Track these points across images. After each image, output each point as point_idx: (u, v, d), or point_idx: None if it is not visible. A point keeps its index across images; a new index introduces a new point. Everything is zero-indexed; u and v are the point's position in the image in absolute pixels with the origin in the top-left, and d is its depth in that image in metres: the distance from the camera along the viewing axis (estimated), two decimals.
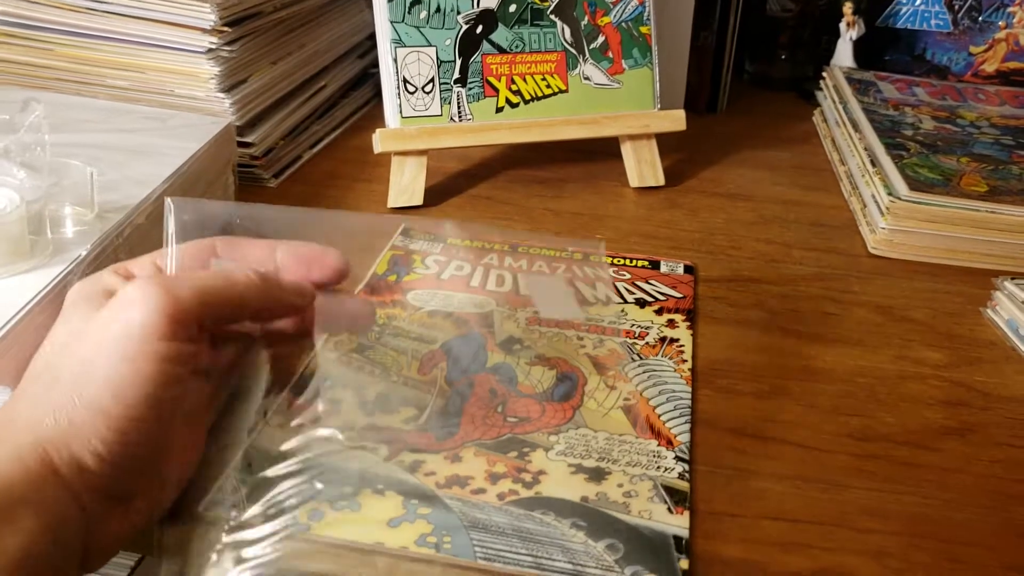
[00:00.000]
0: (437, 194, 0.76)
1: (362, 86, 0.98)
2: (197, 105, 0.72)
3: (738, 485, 0.47)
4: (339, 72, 0.93)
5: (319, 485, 0.44)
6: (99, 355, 0.37)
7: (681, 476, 0.46)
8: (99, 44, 0.73)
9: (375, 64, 1.01)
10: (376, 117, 0.95)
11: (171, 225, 0.46)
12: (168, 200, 0.46)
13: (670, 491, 0.45)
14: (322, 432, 0.47)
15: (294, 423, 0.47)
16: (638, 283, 0.64)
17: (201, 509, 0.42)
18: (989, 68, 1.10)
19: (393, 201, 0.72)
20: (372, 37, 1.01)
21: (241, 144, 0.73)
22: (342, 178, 0.80)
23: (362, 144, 0.87)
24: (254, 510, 0.42)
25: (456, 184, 0.79)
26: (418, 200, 0.72)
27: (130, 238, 0.52)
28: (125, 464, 0.37)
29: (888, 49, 1.10)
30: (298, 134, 0.83)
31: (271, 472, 0.44)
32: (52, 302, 0.45)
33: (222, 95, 0.72)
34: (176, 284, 0.39)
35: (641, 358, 0.56)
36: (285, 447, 0.46)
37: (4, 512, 0.34)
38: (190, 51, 0.71)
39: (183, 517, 0.42)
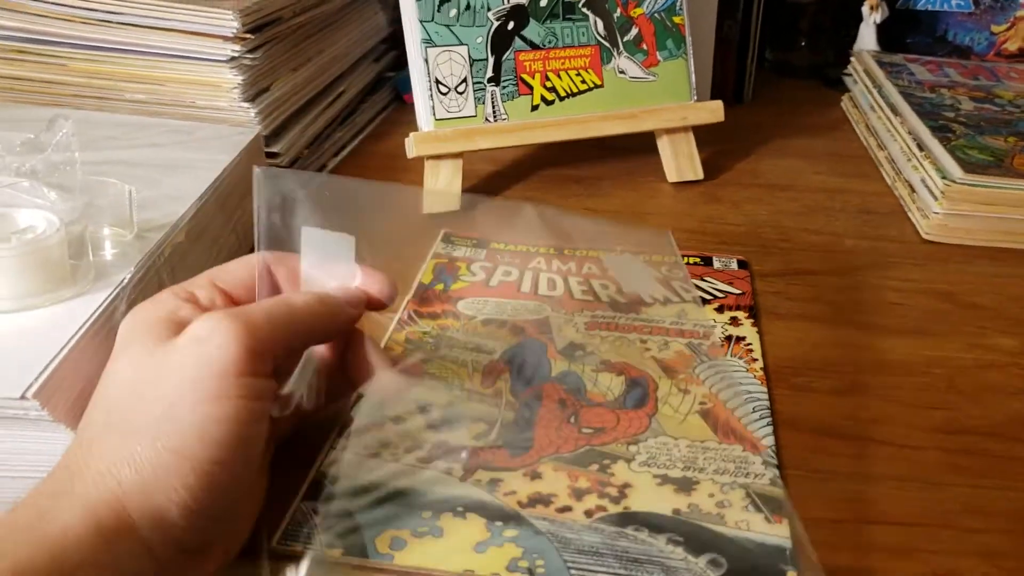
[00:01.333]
0: (471, 197, 0.74)
1: (379, 91, 0.95)
2: (220, 116, 0.70)
3: (833, 488, 0.45)
4: (357, 77, 0.90)
5: (394, 510, 0.41)
6: (180, 396, 0.35)
7: (773, 482, 0.44)
8: (115, 57, 0.70)
9: (391, 68, 0.99)
10: (396, 121, 0.92)
11: (260, 198, 0.45)
12: (256, 169, 0.45)
13: (764, 499, 0.43)
14: (391, 455, 0.45)
15: (362, 446, 0.45)
16: (694, 280, 0.61)
17: (275, 543, 0.39)
18: (1012, 47, 1.08)
19: (428, 207, 0.70)
20: (386, 40, 0.99)
21: (267, 155, 0.70)
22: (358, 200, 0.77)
23: (385, 149, 0.85)
24: (330, 541, 0.39)
25: (490, 186, 0.76)
26: (455, 205, 0.70)
27: (171, 258, 0.50)
28: (209, 512, 0.35)
29: (909, 31, 1.08)
30: (322, 142, 0.80)
31: (342, 499, 0.42)
32: (100, 330, 0.42)
33: (246, 104, 0.69)
34: (250, 316, 0.37)
35: (710, 359, 0.53)
36: (355, 471, 0.43)
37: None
38: (212, 60, 0.69)
39: (254, 551, 0.39)
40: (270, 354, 0.37)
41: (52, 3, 0.68)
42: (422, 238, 0.66)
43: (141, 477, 0.33)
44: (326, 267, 0.45)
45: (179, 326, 0.37)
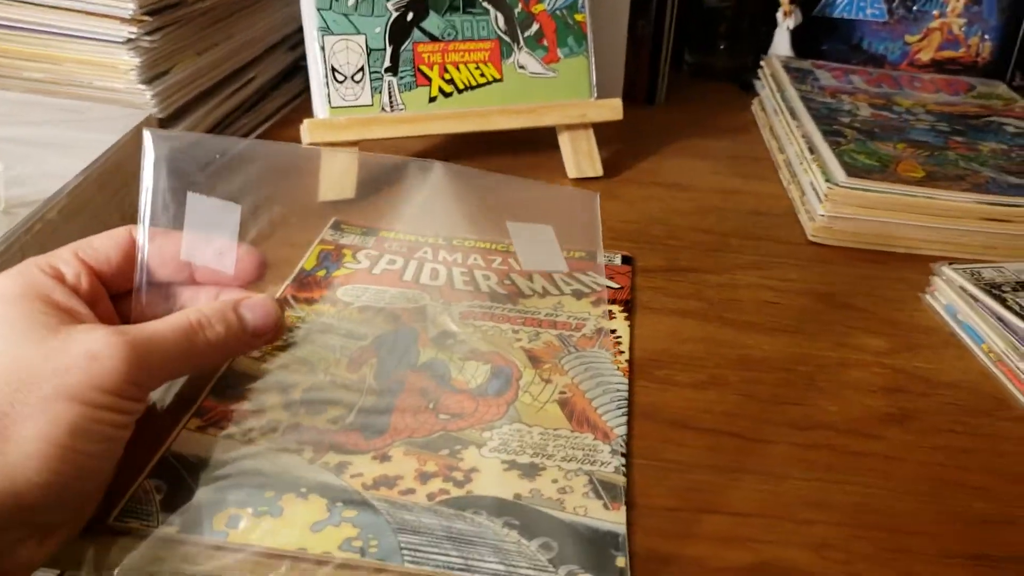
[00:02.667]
0: (369, 187, 0.74)
1: (293, 79, 0.95)
2: (117, 97, 0.69)
3: (676, 478, 0.46)
4: (269, 64, 0.90)
5: (237, 490, 0.42)
6: (57, 394, 0.36)
7: (617, 470, 0.45)
8: (11, 34, 0.69)
9: (306, 56, 0.99)
10: (307, 110, 0.92)
11: (148, 161, 0.45)
12: (146, 131, 0.45)
13: (606, 486, 0.44)
14: (242, 435, 0.45)
15: (213, 426, 0.45)
16: (575, 274, 0.62)
17: (112, 520, 0.39)
18: (924, 57, 1.11)
19: (324, 195, 0.70)
20: (302, 28, 0.99)
21: None
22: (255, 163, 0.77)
23: (291, 138, 0.84)
24: (167, 519, 0.40)
25: (388, 177, 0.77)
26: (350, 193, 0.70)
27: (40, 234, 0.50)
28: (66, 496, 0.36)
29: (825, 38, 1.10)
30: (225, 127, 0.80)
31: (188, 478, 0.42)
32: None
33: (143, 87, 0.69)
34: (148, 347, 0.38)
35: (577, 350, 0.54)
36: (203, 451, 0.44)
37: None
38: (108, 41, 0.68)
39: (96, 528, 0.39)
40: (155, 383, 0.40)
41: None
42: (312, 223, 0.67)
43: (5, 458, 0.34)
44: (207, 237, 0.45)
45: (59, 311, 0.38)
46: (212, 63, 0.78)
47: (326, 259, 0.62)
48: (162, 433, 0.45)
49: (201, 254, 0.46)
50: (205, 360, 0.43)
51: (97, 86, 0.70)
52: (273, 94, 0.90)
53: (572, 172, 0.78)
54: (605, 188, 0.78)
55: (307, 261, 0.61)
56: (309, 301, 0.57)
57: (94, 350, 0.37)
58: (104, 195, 0.58)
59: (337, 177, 0.70)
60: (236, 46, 0.83)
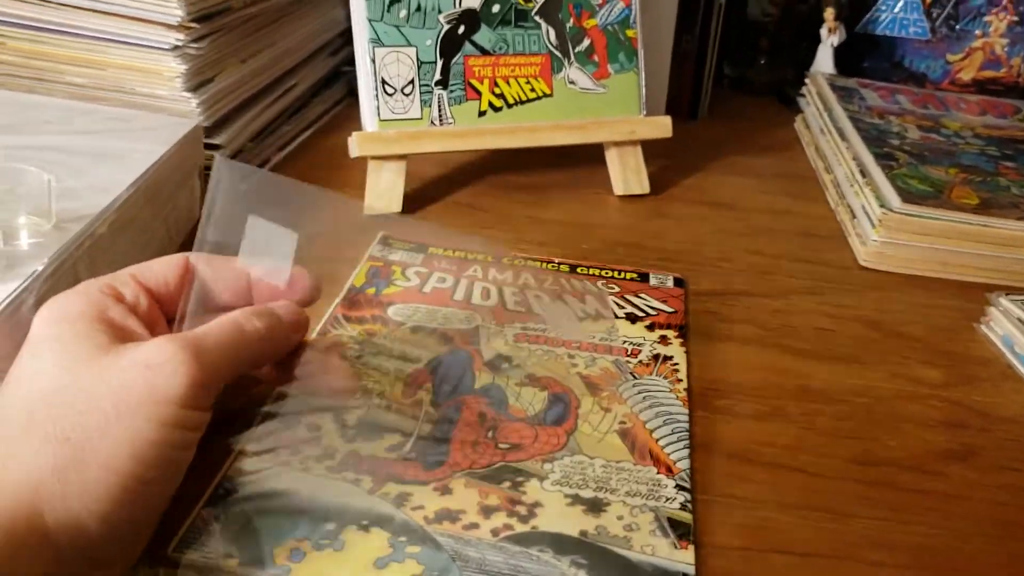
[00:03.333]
0: (415, 200, 0.73)
1: (334, 85, 0.94)
2: (160, 104, 0.69)
3: (742, 515, 0.45)
4: (310, 70, 0.89)
5: (296, 521, 0.41)
6: (118, 414, 0.34)
7: (683, 507, 0.44)
8: (55, 38, 0.69)
9: (347, 62, 0.98)
10: (349, 117, 0.91)
11: (215, 185, 0.45)
12: (218, 158, 0.46)
13: (673, 523, 0.43)
14: (299, 463, 0.44)
15: (269, 453, 0.44)
16: (628, 296, 0.61)
17: (171, 551, 0.38)
18: (966, 76, 1.10)
19: (369, 208, 0.69)
20: (343, 34, 0.98)
21: (208, 147, 0.69)
22: (313, 182, 0.76)
23: (333, 146, 0.84)
24: (228, 550, 0.39)
25: (435, 190, 0.76)
26: (396, 207, 0.69)
27: (91, 250, 0.49)
28: (126, 527, 0.35)
29: (867, 55, 1.09)
30: (267, 135, 0.79)
31: (245, 507, 0.41)
32: (5, 324, 0.41)
33: (188, 94, 0.68)
34: (203, 348, 0.37)
35: (635, 377, 0.53)
36: (260, 479, 0.43)
37: None
38: (154, 47, 0.67)
39: (153, 559, 0.38)
40: (215, 388, 0.38)
41: None
42: (361, 238, 0.66)
43: (64, 488, 0.33)
44: (263, 260, 0.45)
45: (114, 329, 0.37)
46: (255, 70, 0.78)
47: (375, 276, 0.61)
48: (216, 460, 0.44)
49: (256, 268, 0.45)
50: (254, 355, 0.41)
51: (141, 92, 0.69)
52: (314, 101, 0.89)
53: (619, 189, 0.77)
54: (652, 206, 0.77)
55: (356, 278, 0.60)
56: (360, 320, 0.56)
57: (149, 359, 0.35)
58: (151, 208, 0.57)
59: (383, 191, 0.69)
60: (278, 53, 0.82)
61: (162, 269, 0.43)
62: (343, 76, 0.97)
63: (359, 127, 0.69)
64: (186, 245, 0.63)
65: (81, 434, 0.34)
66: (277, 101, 0.81)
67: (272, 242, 0.45)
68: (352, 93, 0.97)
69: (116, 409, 0.34)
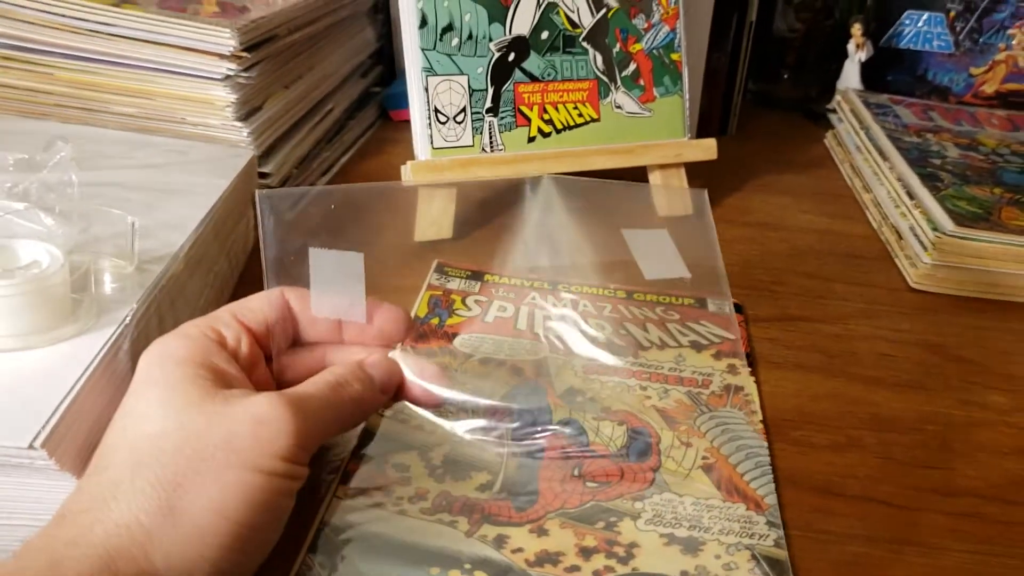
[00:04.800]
0: (462, 225, 0.73)
1: (366, 107, 0.94)
2: (211, 134, 0.68)
3: (835, 551, 0.45)
4: (344, 93, 0.89)
5: (400, 566, 0.40)
6: (228, 461, 0.35)
7: (778, 544, 0.44)
8: (104, 69, 0.68)
9: (377, 83, 0.98)
10: (383, 139, 0.91)
11: (267, 223, 0.46)
12: (258, 194, 0.46)
13: (770, 562, 0.43)
14: (393, 504, 0.44)
15: (363, 495, 0.44)
16: (689, 324, 0.61)
17: None
18: (989, 89, 1.10)
19: (421, 235, 0.69)
20: (372, 56, 0.98)
21: (259, 175, 0.69)
22: (359, 209, 0.76)
23: (373, 168, 0.84)
24: None
25: (481, 215, 0.75)
26: (447, 233, 0.69)
27: (170, 290, 0.48)
28: (232, 573, 0.34)
29: (891, 69, 1.10)
30: (310, 161, 0.79)
31: (350, 552, 0.41)
32: (105, 371, 0.40)
33: (239, 124, 0.68)
34: (307, 409, 0.38)
35: (710, 409, 0.53)
36: (358, 522, 0.43)
37: None
38: (206, 77, 0.67)
39: None
40: (315, 446, 0.39)
41: (42, 11, 0.66)
42: (416, 265, 0.66)
43: (178, 531, 0.33)
44: (335, 289, 0.44)
45: (219, 376, 0.38)
46: (298, 96, 0.77)
47: (437, 306, 0.61)
48: (312, 503, 0.43)
49: (331, 307, 0.45)
50: (348, 417, 0.42)
51: (191, 122, 0.69)
52: (349, 124, 0.89)
53: (663, 211, 0.77)
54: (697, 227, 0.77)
55: (419, 308, 0.60)
56: (430, 353, 0.56)
57: (260, 415, 0.36)
58: (218, 243, 0.56)
59: (435, 217, 0.69)
60: (317, 78, 0.82)
61: (260, 306, 0.43)
62: (374, 97, 0.97)
63: (393, 149, 0.69)
64: (245, 275, 0.63)
65: (193, 479, 0.34)
66: (318, 126, 0.81)
67: (340, 268, 0.45)
68: (384, 114, 0.97)
69: (227, 458, 0.35)
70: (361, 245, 0.47)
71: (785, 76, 1.11)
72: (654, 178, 0.77)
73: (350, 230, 0.49)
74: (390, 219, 0.65)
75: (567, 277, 0.63)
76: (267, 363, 0.43)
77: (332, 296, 0.45)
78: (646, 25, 0.74)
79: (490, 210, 0.76)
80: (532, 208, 0.58)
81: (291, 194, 0.49)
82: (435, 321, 0.59)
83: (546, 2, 0.69)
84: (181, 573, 0.33)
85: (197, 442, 0.35)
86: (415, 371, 0.45)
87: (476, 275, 0.64)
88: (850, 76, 1.04)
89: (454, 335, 0.58)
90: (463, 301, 0.61)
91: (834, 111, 1.00)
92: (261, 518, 0.35)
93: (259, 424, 0.36)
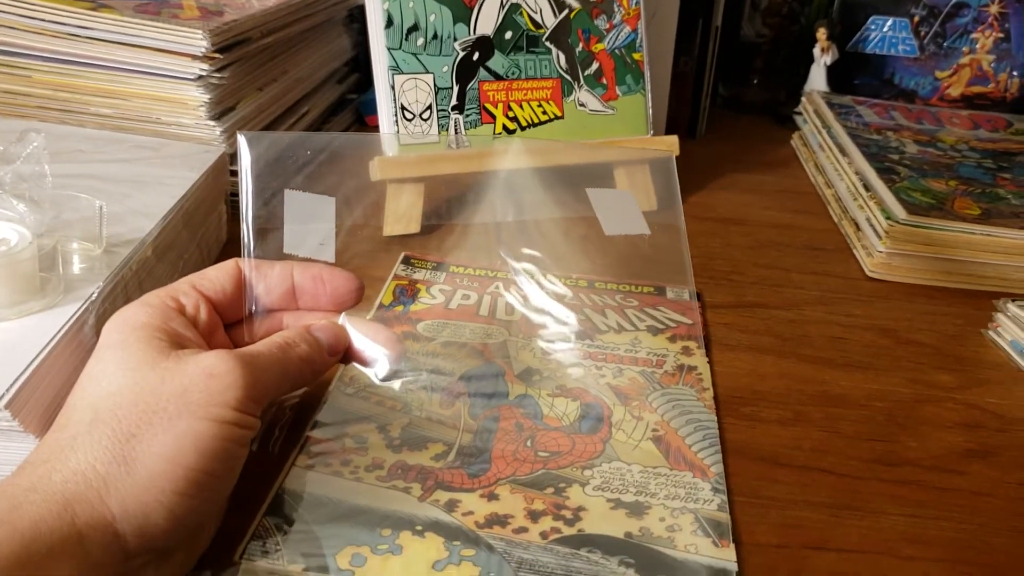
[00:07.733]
0: (429, 219, 0.75)
1: (341, 112, 0.96)
2: (185, 133, 0.70)
3: (777, 515, 0.47)
4: (320, 98, 0.91)
5: (353, 528, 0.42)
6: (179, 412, 0.36)
7: (721, 508, 0.46)
8: (81, 71, 0.70)
9: (353, 90, 1.00)
10: (358, 143, 0.93)
11: (245, 161, 0.47)
12: (240, 134, 0.48)
13: (712, 524, 0.44)
14: (350, 473, 0.46)
15: (321, 463, 0.46)
16: (647, 309, 0.63)
17: (237, 557, 0.40)
18: (954, 92, 1.13)
19: (389, 229, 0.71)
20: (348, 63, 1.00)
21: (232, 173, 0.70)
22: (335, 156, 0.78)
23: (346, 171, 0.86)
24: (292, 557, 0.40)
25: (449, 210, 0.77)
26: (415, 228, 0.71)
27: (138, 272, 0.50)
28: (189, 518, 0.36)
29: (857, 73, 1.12)
30: None
31: (305, 515, 0.43)
32: (70, 343, 0.42)
33: (212, 123, 0.70)
34: (257, 365, 0.40)
35: (663, 387, 0.55)
36: (315, 488, 0.44)
37: (39, 566, 0.32)
38: (179, 78, 0.69)
39: (218, 565, 0.40)
40: (264, 401, 0.40)
41: (21, 15, 0.68)
42: (383, 258, 0.67)
43: (133, 478, 0.35)
44: (306, 230, 0.47)
45: (174, 338, 0.39)
46: (272, 98, 0.79)
47: (402, 294, 0.62)
48: (272, 470, 0.45)
49: (302, 247, 0.47)
50: (297, 376, 0.44)
51: (165, 121, 0.71)
52: (324, 127, 0.91)
53: None
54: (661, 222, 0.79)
55: (384, 296, 0.62)
56: (383, 320, 0.57)
57: (211, 367, 0.38)
58: (188, 231, 0.58)
59: (403, 211, 0.71)
60: (291, 81, 0.84)
61: (218, 276, 0.45)
62: (350, 103, 0.99)
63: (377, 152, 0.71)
64: None
65: (146, 430, 0.36)
66: (292, 128, 0.83)
67: (312, 210, 0.48)
68: (360, 119, 0.99)
69: (178, 409, 0.37)
70: (334, 190, 0.50)
71: (754, 81, 1.14)
72: (619, 175, 0.79)
73: (327, 176, 0.52)
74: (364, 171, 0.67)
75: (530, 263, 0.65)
76: (225, 330, 0.45)
77: (302, 236, 0.48)
78: (608, 26, 0.76)
79: (457, 205, 0.78)
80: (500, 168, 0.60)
81: (271, 137, 0.52)
82: (399, 308, 0.61)
83: (509, 3, 0.72)
84: (136, 517, 0.35)
85: (151, 396, 0.37)
86: (368, 334, 0.47)
87: (441, 266, 0.66)
88: (816, 80, 1.07)
89: (418, 321, 0.60)
90: (427, 290, 0.63)
91: (800, 114, 1.03)
92: (213, 465, 0.37)
93: (210, 377, 0.38)
